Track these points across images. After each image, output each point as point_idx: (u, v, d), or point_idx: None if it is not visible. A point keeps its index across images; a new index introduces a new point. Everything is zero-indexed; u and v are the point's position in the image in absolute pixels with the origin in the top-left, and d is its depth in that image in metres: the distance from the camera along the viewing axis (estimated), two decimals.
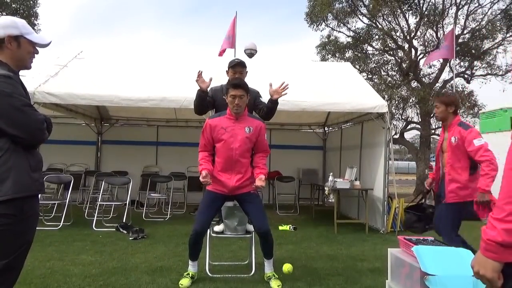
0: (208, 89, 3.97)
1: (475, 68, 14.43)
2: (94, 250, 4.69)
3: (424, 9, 13.63)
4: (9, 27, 1.92)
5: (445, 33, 13.16)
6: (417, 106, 13.64)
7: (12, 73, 1.89)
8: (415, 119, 14.45)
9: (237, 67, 4.04)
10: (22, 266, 1.95)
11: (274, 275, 3.57)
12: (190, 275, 3.53)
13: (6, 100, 1.80)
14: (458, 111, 3.82)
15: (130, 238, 5.35)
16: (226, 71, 4.15)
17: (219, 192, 3.48)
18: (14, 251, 1.87)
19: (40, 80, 6.12)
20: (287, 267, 3.68)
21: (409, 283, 2.53)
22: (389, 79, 14.80)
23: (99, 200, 6.50)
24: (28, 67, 2.06)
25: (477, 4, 13.37)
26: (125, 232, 5.69)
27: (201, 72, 3.84)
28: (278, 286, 3.43)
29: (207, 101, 4.02)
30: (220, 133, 3.41)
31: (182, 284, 3.42)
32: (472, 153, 3.46)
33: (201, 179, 3.32)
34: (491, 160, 3.44)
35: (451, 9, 13.62)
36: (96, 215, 6.14)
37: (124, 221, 6.08)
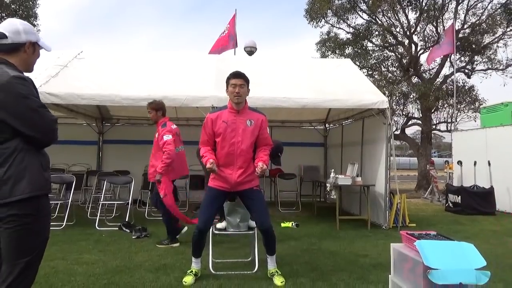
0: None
1: (475, 63, 14.38)
2: (97, 249, 4.71)
3: (423, 4, 13.59)
4: (30, 33, 2.03)
5: (445, 28, 13.15)
6: (417, 101, 13.62)
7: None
8: (416, 115, 14.45)
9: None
10: (40, 262, 2.02)
11: (277, 271, 3.58)
12: (194, 273, 3.55)
13: (23, 101, 1.87)
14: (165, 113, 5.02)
15: (133, 237, 5.37)
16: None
17: (221, 188, 3.48)
18: (34, 248, 1.94)
19: (41, 80, 6.13)
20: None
21: (412, 277, 2.54)
22: (390, 75, 14.79)
23: (101, 200, 6.52)
24: (32, 70, 2.16)
25: None
26: (128, 231, 5.71)
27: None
28: (281, 282, 3.44)
29: None
30: (221, 127, 3.38)
31: (185, 282, 3.43)
32: (160, 144, 4.65)
33: (208, 165, 3.30)
34: (169, 152, 4.60)
35: (451, 3, 13.60)
36: (98, 214, 6.16)
37: (126, 220, 6.09)
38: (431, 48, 12.50)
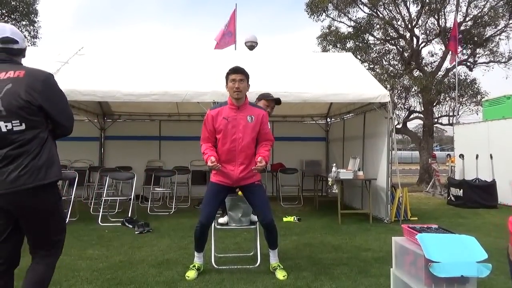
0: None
1: (477, 55, 14.30)
2: (100, 244, 4.74)
3: None
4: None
5: (446, 21, 13.05)
6: (419, 95, 13.57)
7: None
8: (418, 108, 14.39)
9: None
10: None
11: (279, 265, 3.60)
12: (196, 267, 3.57)
13: (62, 96, 2.24)
14: None
15: (136, 232, 5.40)
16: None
17: (223, 183, 3.48)
18: (65, 227, 2.35)
19: None
20: None
21: (414, 271, 2.55)
22: (391, 68, 14.71)
23: (104, 196, 6.55)
24: None
25: None
26: (130, 226, 5.73)
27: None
28: (283, 276, 3.46)
29: None
30: (222, 123, 3.37)
31: (188, 276, 3.46)
32: None
33: (209, 164, 3.29)
34: None
35: None
36: (101, 210, 6.18)
37: (129, 215, 6.13)
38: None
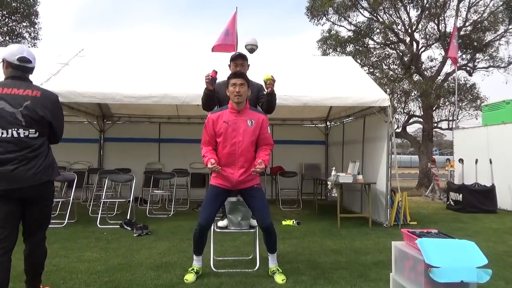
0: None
1: (477, 60, 14.35)
2: (99, 247, 4.72)
3: (425, 1, 13.54)
4: None
5: (446, 25, 13.09)
6: (419, 99, 13.60)
7: None
8: (417, 113, 14.41)
9: (237, 60, 4.03)
10: None
11: (278, 269, 3.59)
12: (195, 270, 3.55)
13: (62, 115, 2.84)
14: None
15: (135, 235, 5.38)
16: (228, 65, 4.15)
17: (222, 186, 3.48)
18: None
19: (42, 78, 6.12)
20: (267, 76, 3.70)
21: (413, 276, 2.54)
22: (391, 72, 14.75)
23: (102, 198, 6.53)
24: None
25: None
26: (129, 228, 5.71)
27: (210, 77, 3.78)
28: (282, 280, 3.45)
29: (214, 96, 3.98)
30: (222, 127, 3.38)
31: (187, 279, 3.44)
32: None
33: (209, 166, 3.30)
34: None
35: (453, 1, 13.53)
36: (100, 212, 6.16)
37: (128, 218, 6.10)
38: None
